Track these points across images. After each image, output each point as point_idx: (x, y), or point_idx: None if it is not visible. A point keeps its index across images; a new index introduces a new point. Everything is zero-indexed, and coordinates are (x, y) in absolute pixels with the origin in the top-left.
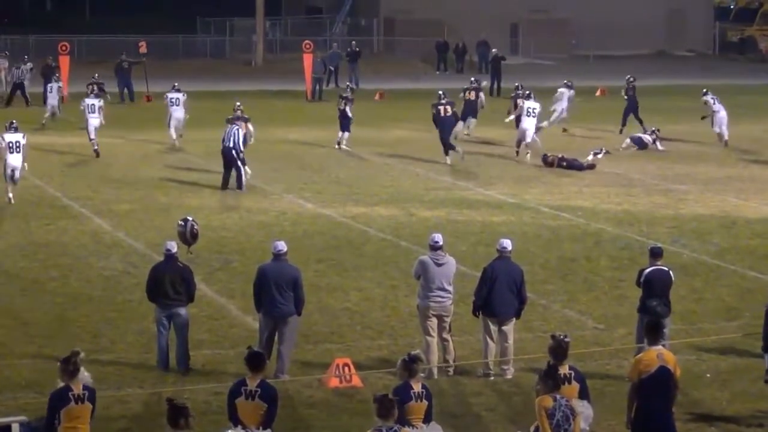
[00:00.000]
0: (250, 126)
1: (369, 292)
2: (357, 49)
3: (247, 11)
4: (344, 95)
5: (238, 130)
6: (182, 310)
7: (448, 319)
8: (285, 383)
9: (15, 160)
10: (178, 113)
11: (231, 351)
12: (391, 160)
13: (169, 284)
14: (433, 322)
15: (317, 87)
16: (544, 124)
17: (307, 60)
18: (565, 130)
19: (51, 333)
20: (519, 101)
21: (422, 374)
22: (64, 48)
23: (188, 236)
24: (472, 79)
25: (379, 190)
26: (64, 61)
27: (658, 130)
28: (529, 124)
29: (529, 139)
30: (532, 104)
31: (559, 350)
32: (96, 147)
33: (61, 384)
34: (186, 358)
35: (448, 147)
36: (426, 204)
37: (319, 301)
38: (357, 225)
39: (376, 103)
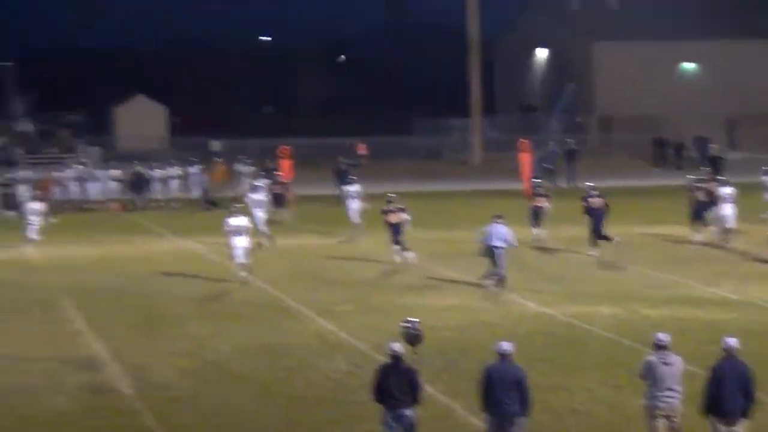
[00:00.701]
0: (405, 215)
1: (594, 392)
2: (574, 147)
3: (462, 111)
4: (541, 192)
5: (503, 227)
6: (408, 412)
7: (676, 420)
8: None
9: (241, 242)
10: (355, 204)
11: None
12: (611, 258)
13: (395, 385)
14: (661, 423)
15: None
16: None
17: (524, 158)
18: None
19: None
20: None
21: None
22: (284, 151)
23: (412, 337)
24: (706, 169)
25: (599, 289)
26: (285, 165)
27: None
28: (728, 210)
29: (730, 225)
30: (727, 190)
31: None
32: (263, 240)
33: None
34: None
35: (602, 237)
36: (648, 302)
37: (544, 402)
38: (579, 324)
39: None
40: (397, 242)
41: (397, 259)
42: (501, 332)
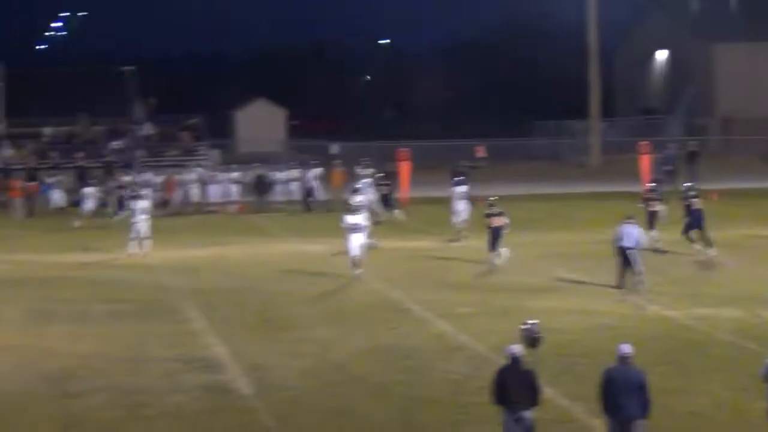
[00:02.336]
0: (506, 219)
1: (716, 395)
2: (695, 148)
3: (582, 114)
4: (655, 197)
5: (635, 228)
6: (528, 414)
7: None
8: None
9: (357, 239)
10: (460, 206)
11: None
12: (731, 260)
13: (514, 387)
14: None
15: None
16: None
17: (644, 161)
18: None
19: None
20: None
21: None
22: (403, 154)
23: (532, 339)
24: None
25: (720, 291)
26: (405, 167)
27: None
28: None
29: None
30: None
31: None
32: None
33: None
34: None
35: (688, 236)
36: None
37: (664, 405)
38: (701, 327)
39: (713, 203)
40: (493, 246)
41: (497, 261)
42: (621, 335)
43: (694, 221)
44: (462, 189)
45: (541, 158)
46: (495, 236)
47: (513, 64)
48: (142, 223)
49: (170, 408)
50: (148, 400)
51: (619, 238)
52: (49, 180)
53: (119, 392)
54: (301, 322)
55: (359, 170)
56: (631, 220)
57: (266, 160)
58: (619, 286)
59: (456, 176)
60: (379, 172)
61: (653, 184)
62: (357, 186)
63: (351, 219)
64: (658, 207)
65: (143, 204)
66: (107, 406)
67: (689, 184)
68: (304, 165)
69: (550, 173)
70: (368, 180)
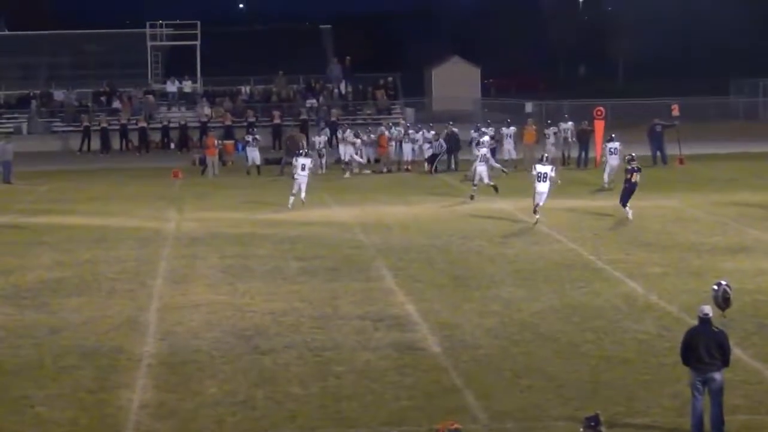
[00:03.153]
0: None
1: None
2: None
3: None
4: None
5: None
6: (717, 375)
7: None
8: None
9: (542, 187)
10: (613, 161)
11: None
12: None
13: (704, 348)
14: None
15: None
16: None
17: None
18: None
19: (585, 395)
20: None
21: None
22: (599, 112)
23: (721, 300)
24: None
25: None
26: (599, 126)
27: None
28: None
29: None
30: None
31: None
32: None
33: None
34: (720, 424)
35: None
36: None
37: None
38: None
39: None
40: (625, 201)
41: (631, 216)
42: None
43: None
44: (615, 145)
45: (738, 117)
46: (630, 191)
47: (708, 21)
48: (302, 179)
49: (359, 365)
50: (338, 357)
51: None
52: (248, 138)
53: (309, 349)
54: (489, 280)
55: (546, 130)
56: None
57: (459, 119)
58: None
59: (654, 136)
60: (584, 131)
61: None
62: (481, 140)
63: (539, 167)
64: None
65: (304, 161)
66: (297, 362)
67: None
68: (500, 124)
69: (747, 132)
70: (488, 138)
